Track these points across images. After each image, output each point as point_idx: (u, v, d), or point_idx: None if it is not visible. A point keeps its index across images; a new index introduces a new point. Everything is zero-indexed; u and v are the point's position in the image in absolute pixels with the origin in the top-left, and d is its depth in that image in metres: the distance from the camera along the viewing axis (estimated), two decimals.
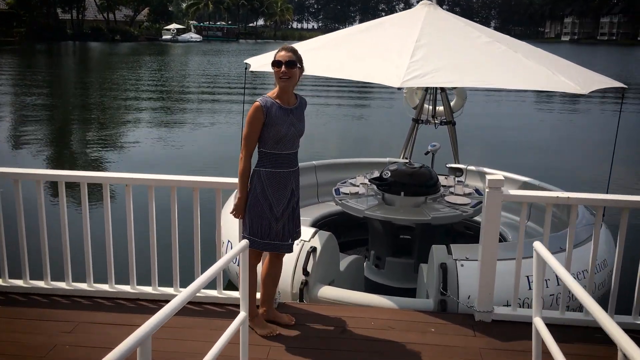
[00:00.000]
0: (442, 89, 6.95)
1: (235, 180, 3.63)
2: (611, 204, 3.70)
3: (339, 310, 3.99)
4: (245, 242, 2.85)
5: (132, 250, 4.05)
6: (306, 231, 4.52)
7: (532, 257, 4.30)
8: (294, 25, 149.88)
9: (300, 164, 6.51)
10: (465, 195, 5.50)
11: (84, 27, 77.41)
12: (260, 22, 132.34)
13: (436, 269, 4.09)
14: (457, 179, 6.00)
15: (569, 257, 3.84)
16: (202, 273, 2.49)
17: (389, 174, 5.33)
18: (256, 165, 3.57)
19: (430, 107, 7.18)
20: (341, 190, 5.62)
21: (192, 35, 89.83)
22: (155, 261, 4.10)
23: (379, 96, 26.36)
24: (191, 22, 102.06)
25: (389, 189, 5.31)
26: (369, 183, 5.51)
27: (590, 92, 4.03)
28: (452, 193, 5.56)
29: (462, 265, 4.12)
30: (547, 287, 4.20)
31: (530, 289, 4.18)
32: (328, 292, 4.30)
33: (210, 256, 4.05)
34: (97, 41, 71.86)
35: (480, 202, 5.33)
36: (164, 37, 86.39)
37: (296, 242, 4.47)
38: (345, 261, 4.84)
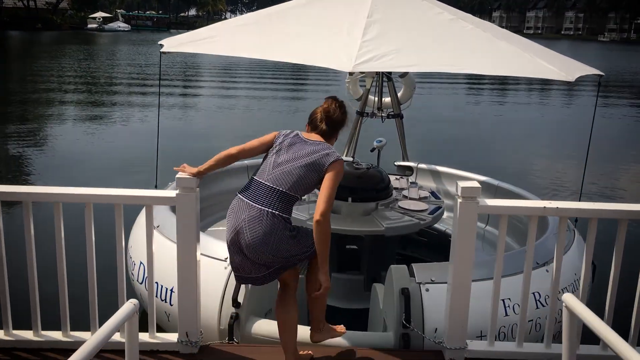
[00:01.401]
0: (389, 78, 6.23)
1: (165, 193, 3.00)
2: (608, 214, 3.05)
3: (278, 352, 3.18)
4: (130, 306, 2.02)
5: (34, 286, 3.11)
6: None
7: (510, 275, 3.68)
8: (227, 15, 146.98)
9: (230, 166, 5.66)
10: (421, 199, 4.80)
11: (2, 15, 72.80)
12: (192, 12, 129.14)
13: (396, 296, 3.35)
14: (410, 180, 5.29)
15: (556, 277, 3.18)
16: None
17: None
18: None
19: (376, 99, 6.44)
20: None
21: (120, 25, 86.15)
22: (66, 298, 3.15)
23: (316, 82, 25.64)
24: (119, 10, 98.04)
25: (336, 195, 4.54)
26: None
27: (575, 80, 3.38)
28: (405, 197, 4.84)
29: (427, 290, 3.41)
30: (506, 314, 3.53)
31: (507, 315, 3.51)
32: (265, 326, 3.49)
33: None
34: (17, 30, 67.71)
35: (439, 208, 4.64)
36: (89, 26, 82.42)
37: (224, 265, 3.65)
38: None
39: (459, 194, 2.92)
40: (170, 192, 3.00)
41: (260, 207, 2.85)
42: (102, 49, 46.82)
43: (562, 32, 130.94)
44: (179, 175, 2.97)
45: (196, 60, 36.54)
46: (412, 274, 3.48)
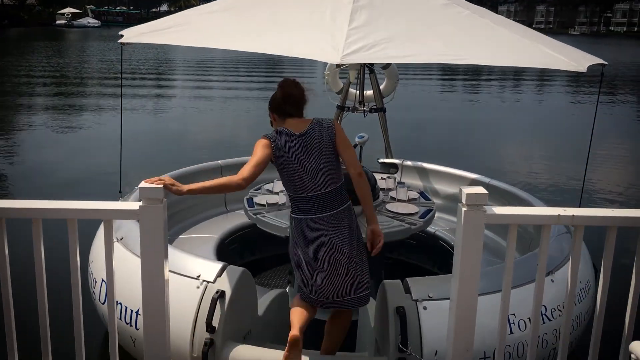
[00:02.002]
0: (371, 69, 5.85)
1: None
2: (629, 222, 2.70)
3: None
4: None
5: None
6: (209, 267, 3.28)
7: (513, 288, 3.32)
8: None
9: (203, 165, 5.17)
10: (410, 201, 4.42)
11: None
12: (164, 7, 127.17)
13: (391, 316, 2.98)
14: (396, 180, 4.91)
15: (572, 292, 2.83)
16: None
17: None
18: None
19: (357, 92, 6.06)
20: (255, 200, 4.39)
21: (90, 20, 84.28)
22: (14, 335, 2.62)
23: (295, 74, 25.14)
24: (88, 6, 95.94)
25: None
26: None
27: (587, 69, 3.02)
28: (393, 199, 4.47)
29: (425, 309, 3.04)
30: (511, 332, 3.20)
31: (512, 332, 3.17)
32: (243, 352, 3.09)
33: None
34: None
35: (430, 210, 4.27)
36: (58, 22, 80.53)
37: (196, 284, 3.24)
38: (264, 300, 3.63)
39: (464, 202, 2.55)
40: (133, 204, 2.57)
41: (331, 212, 3.06)
42: (71, 45, 45.57)
43: (534, 26, 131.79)
44: (143, 184, 2.54)
45: (169, 55, 35.81)
46: (407, 290, 3.11)
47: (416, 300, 3.05)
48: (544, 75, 28.81)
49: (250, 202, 4.38)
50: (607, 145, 12.51)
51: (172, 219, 5.06)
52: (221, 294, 3.10)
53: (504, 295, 2.73)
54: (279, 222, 3.96)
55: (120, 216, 2.74)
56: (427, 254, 5.23)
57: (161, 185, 2.54)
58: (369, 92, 6.17)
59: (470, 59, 3.01)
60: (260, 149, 3.04)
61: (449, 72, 29.73)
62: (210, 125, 14.40)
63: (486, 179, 5.27)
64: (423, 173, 5.73)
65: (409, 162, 5.84)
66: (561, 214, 2.65)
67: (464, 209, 2.56)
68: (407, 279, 3.18)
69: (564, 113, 17.70)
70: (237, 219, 5.31)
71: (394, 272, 5.22)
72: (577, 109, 18.77)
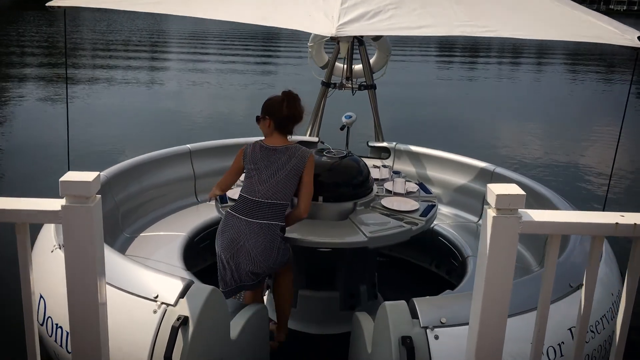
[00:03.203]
0: (361, 41, 5.19)
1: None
2: None
3: None
4: None
5: None
6: (170, 286, 2.64)
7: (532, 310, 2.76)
8: None
9: (171, 149, 4.63)
10: (409, 195, 3.81)
11: None
12: None
13: (395, 347, 2.39)
14: (391, 168, 4.29)
15: (627, 314, 2.25)
16: None
17: None
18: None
19: (345, 67, 5.40)
20: (228, 193, 3.75)
21: None
22: None
23: (287, 50, 24.36)
24: None
25: None
26: None
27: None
28: (389, 192, 3.85)
29: (436, 338, 2.44)
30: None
31: None
32: None
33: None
34: None
35: (433, 206, 3.67)
36: None
37: (153, 307, 2.62)
38: (238, 320, 3.00)
39: (493, 204, 1.93)
40: (53, 203, 1.87)
41: (258, 221, 3.11)
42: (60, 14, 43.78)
43: None
44: (65, 177, 1.84)
45: (161, 26, 34.83)
46: (414, 314, 2.51)
47: (426, 328, 2.45)
48: (542, 53, 28.50)
49: (223, 196, 3.73)
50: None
51: (135, 212, 4.39)
52: (184, 321, 2.47)
53: (539, 321, 2.13)
54: None
55: (36, 219, 2.02)
56: (423, 251, 4.65)
57: (90, 179, 1.85)
58: (357, 67, 5.52)
59: (503, 31, 2.35)
60: (236, 158, 3.37)
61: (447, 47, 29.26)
62: (206, 99, 13.86)
63: (491, 167, 4.67)
64: (418, 158, 5.11)
65: (401, 146, 5.21)
66: (619, 221, 2.04)
67: (492, 214, 1.94)
68: (414, 300, 2.57)
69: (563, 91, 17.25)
70: (209, 210, 4.66)
71: (387, 272, 4.64)
72: (576, 86, 18.33)
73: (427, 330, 2.43)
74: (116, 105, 12.65)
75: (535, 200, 4.08)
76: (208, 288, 2.60)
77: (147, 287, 2.64)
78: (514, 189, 1.91)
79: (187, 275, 3.52)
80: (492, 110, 14.14)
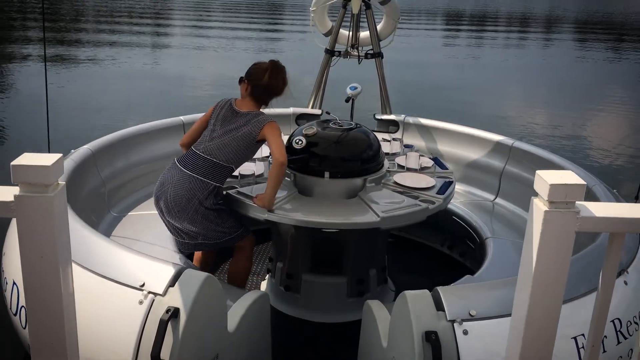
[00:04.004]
0: (368, 5, 4.81)
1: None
2: None
3: None
4: None
5: None
6: (159, 272, 2.32)
7: (572, 300, 2.44)
8: None
9: (164, 121, 4.33)
10: (423, 170, 3.48)
11: None
12: None
13: (418, 343, 2.08)
14: (402, 142, 3.94)
15: None
16: None
17: (303, 142, 3.17)
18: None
19: (350, 33, 5.02)
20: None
21: None
22: None
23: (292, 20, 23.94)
24: None
25: (305, 168, 3.18)
26: (270, 157, 3.33)
27: None
28: (402, 167, 3.51)
29: (465, 333, 2.14)
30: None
31: None
32: None
33: None
34: None
35: (450, 183, 3.34)
36: None
37: (139, 297, 2.31)
38: (237, 309, 2.69)
39: (544, 196, 1.60)
40: (3, 192, 1.53)
41: (190, 173, 3.01)
42: None
43: None
44: (19, 160, 1.49)
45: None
46: (439, 305, 2.19)
47: (453, 321, 2.14)
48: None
49: None
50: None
51: (123, 190, 4.05)
52: (174, 313, 2.15)
53: (593, 335, 1.80)
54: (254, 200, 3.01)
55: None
56: (435, 231, 4.33)
57: (50, 163, 1.51)
58: (363, 34, 5.15)
59: None
60: (207, 112, 3.25)
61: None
62: (210, 67, 13.59)
63: (509, 141, 4.33)
64: (428, 132, 4.76)
65: (410, 119, 4.86)
66: None
67: (543, 207, 1.60)
68: (439, 289, 2.25)
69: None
70: None
71: (395, 254, 4.33)
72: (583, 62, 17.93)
73: (455, 325, 2.13)
74: (125, 71, 12.44)
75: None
76: (202, 275, 2.28)
77: (132, 273, 2.32)
78: (570, 177, 1.57)
79: (180, 260, 3.20)
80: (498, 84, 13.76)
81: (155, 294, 2.23)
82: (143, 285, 2.26)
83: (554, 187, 1.56)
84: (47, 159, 1.50)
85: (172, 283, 2.26)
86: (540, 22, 29.79)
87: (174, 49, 16.17)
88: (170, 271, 2.30)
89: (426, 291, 2.25)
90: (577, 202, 1.60)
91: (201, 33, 19.95)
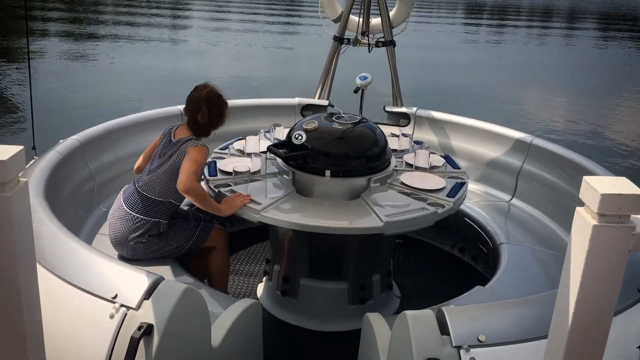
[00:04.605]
0: None
1: None
2: None
3: None
4: None
5: None
6: (133, 282, 2.09)
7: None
8: None
9: (163, 110, 4.19)
10: (433, 169, 3.21)
11: None
12: None
13: None
14: (412, 138, 3.67)
15: None
16: None
17: (303, 137, 2.92)
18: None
19: (361, 20, 4.73)
20: (218, 164, 3.17)
21: None
22: None
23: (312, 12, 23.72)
24: None
25: (304, 165, 2.93)
26: (267, 152, 3.09)
27: None
28: (410, 166, 3.25)
29: None
30: None
31: None
32: None
33: None
34: None
35: (463, 184, 3.07)
36: None
37: (112, 310, 2.08)
38: (223, 320, 2.45)
39: (594, 208, 1.32)
40: None
41: (128, 210, 2.91)
42: None
43: None
44: None
45: None
46: (443, 328, 1.94)
47: (459, 348, 1.88)
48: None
49: (212, 167, 3.15)
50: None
51: (114, 183, 3.82)
52: (147, 329, 1.92)
53: None
54: (250, 203, 2.76)
55: None
56: (446, 232, 4.06)
57: (6, 157, 1.29)
58: (374, 21, 4.86)
59: None
60: (156, 139, 3.11)
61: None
62: (226, 60, 13.51)
63: (528, 138, 4.03)
64: (442, 127, 4.48)
65: (423, 112, 4.58)
66: None
67: (591, 220, 1.33)
68: (444, 309, 1.99)
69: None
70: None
71: (402, 256, 4.08)
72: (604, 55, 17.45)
73: (461, 352, 1.87)
74: (139, 64, 12.38)
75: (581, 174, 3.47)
76: (180, 287, 2.04)
77: (105, 283, 2.08)
78: (625, 186, 1.29)
79: (169, 262, 2.97)
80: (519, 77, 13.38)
81: (128, 308, 1.99)
82: (115, 297, 2.03)
83: (606, 198, 1.29)
84: (3, 152, 1.27)
85: (147, 295, 2.02)
86: (563, 15, 29.25)
87: (190, 43, 16.12)
88: (145, 282, 2.06)
89: (429, 311, 2.00)
90: (632, 215, 1.33)
91: (220, 26, 19.85)
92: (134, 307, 1.98)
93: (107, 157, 3.71)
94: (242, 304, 2.55)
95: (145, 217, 2.89)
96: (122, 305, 1.99)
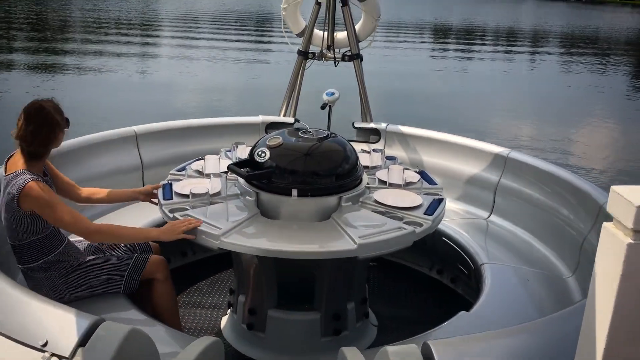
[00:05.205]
0: (344, 1, 4.33)
1: None
2: None
3: None
4: None
5: None
6: (67, 326, 1.80)
7: None
8: None
9: (111, 131, 3.67)
10: (408, 186, 2.98)
11: None
12: None
13: None
14: (384, 153, 3.43)
15: None
16: None
17: (267, 154, 2.66)
18: None
19: (326, 34, 4.53)
20: (174, 187, 2.88)
21: None
22: None
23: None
24: None
25: (268, 184, 2.66)
26: (228, 172, 2.82)
27: None
28: (383, 183, 3.01)
29: None
30: None
31: None
32: None
33: None
34: None
35: (440, 200, 2.85)
36: None
37: (40, 359, 1.77)
38: None
39: (630, 224, 1.09)
40: None
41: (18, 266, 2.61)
42: None
43: None
44: None
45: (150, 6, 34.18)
46: None
47: None
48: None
49: (167, 189, 2.86)
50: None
51: (75, 206, 3.49)
52: None
53: None
54: (208, 226, 2.48)
55: None
56: (422, 253, 3.83)
57: None
58: (340, 35, 4.67)
59: None
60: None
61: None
62: (197, 84, 13.38)
63: (504, 151, 3.85)
64: (414, 142, 4.27)
65: (393, 127, 4.37)
66: None
67: (625, 238, 1.10)
68: (429, 342, 1.74)
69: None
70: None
71: (376, 279, 3.82)
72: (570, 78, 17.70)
73: None
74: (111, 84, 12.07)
75: (571, 195, 3.29)
76: (123, 329, 1.75)
77: (34, 328, 1.78)
78: None
79: (116, 297, 2.66)
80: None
81: (60, 357, 1.70)
82: (45, 344, 1.73)
83: None
84: None
85: (82, 342, 1.73)
86: (527, 36, 29.97)
87: (163, 59, 15.95)
88: (81, 325, 1.77)
89: (413, 346, 1.75)
90: None
91: (191, 44, 19.68)
92: (66, 356, 1.69)
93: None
94: (200, 343, 2.25)
95: (25, 266, 2.56)
96: (52, 355, 1.70)
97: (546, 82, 16.20)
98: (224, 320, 3.20)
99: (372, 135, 4.39)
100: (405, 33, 27.90)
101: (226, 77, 14.28)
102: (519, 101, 13.31)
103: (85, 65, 14.45)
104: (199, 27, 26.39)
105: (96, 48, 17.29)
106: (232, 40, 21.56)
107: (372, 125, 4.43)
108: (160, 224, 3.37)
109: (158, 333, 2.42)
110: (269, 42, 21.99)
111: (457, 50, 23.75)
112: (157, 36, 22.66)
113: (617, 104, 13.62)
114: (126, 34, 21.77)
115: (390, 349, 1.73)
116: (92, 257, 2.70)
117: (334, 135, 2.89)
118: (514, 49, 24.76)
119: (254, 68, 15.91)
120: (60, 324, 1.79)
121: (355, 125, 4.46)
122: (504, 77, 16.91)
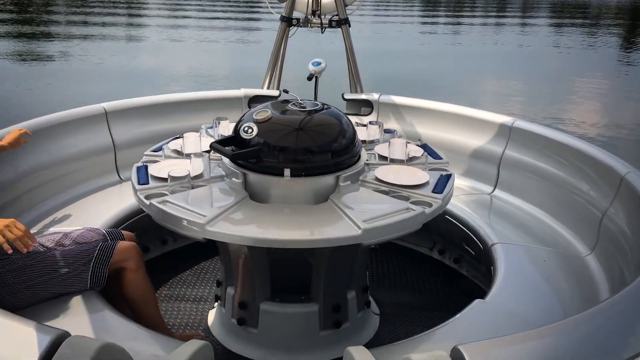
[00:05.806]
0: None
1: None
2: None
3: None
4: None
5: None
6: (29, 341, 1.49)
7: None
8: None
9: (78, 109, 3.30)
10: (411, 162, 2.69)
11: None
12: None
13: None
14: (382, 126, 3.12)
15: None
16: None
17: (254, 130, 2.34)
18: None
19: None
20: (150, 169, 2.55)
21: None
22: None
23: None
24: None
25: (257, 164, 2.35)
26: (211, 151, 2.50)
27: None
28: (384, 158, 2.72)
29: None
30: None
31: None
32: None
33: None
34: None
35: (449, 177, 2.56)
36: None
37: None
38: None
39: None
40: None
41: None
42: None
43: None
44: None
45: None
46: None
47: None
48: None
49: (142, 173, 2.53)
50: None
51: (32, 197, 3.16)
52: None
53: None
54: (190, 212, 2.16)
55: None
56: (422, 232, 3.55)
57: None
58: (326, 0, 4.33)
59: None
60: None
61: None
62: (185, 57, 13.39)
63: (509, 121, 3.57)
64: (409, 113, 3.97)
65: (386, 98, 4.07)
66: None
67: None
68: (461, 347, 1.47)
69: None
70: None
71: (377, 262, 3.56)
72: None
73: None
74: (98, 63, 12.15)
75: (586, 165, 3.03)
76: (93, 344, 1.45)
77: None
78: None
79: (95, 296, 2.35)
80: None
81: None
82: None
83: None
84: None
85: (46, 358, 1.43)
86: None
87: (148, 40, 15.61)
88: (44, 340, 1.46)
89: (443, 354, 1.47)
90: None
91: (178, 23, 19.29)
92: None
93: (21, 166, 3.06)
94: (187, 349, 1.96)
95: None
96: None
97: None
98: (211, 315, 2.91)
99: (363, 107, 4.09)
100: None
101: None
102: None
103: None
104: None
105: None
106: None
107: (363, 96, 4.13)
108: (138, 211, 3.06)
109: (137, 338, 2.13)
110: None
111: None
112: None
113: None
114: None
115: (415, 357, 1.45)
116: (49, 247, 2.38)
117: (327, 106, 2.58)
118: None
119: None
120: (20, 338, 1.48)
121: (345, 96, 4.15)
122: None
